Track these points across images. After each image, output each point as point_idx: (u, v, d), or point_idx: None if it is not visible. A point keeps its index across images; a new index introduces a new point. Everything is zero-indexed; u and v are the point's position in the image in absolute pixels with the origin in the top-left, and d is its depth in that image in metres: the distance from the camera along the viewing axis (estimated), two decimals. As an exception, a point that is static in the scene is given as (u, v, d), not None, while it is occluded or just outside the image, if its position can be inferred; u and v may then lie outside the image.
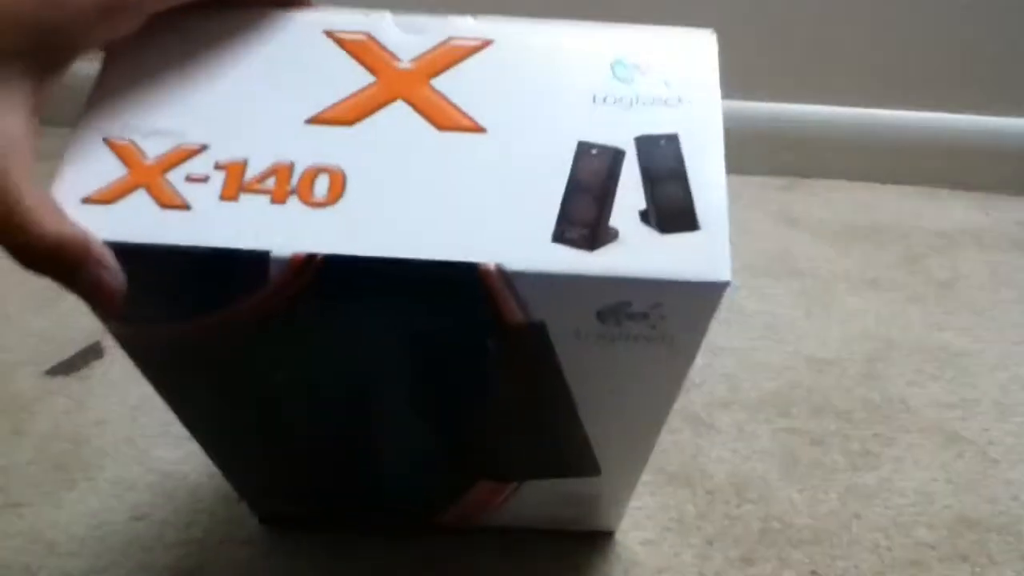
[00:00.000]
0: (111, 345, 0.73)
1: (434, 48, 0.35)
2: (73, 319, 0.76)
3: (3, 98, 0.27)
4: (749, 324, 0.78)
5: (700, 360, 0.72)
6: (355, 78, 0.34)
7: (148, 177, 0.32)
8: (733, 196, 1.00)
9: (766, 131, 1.02)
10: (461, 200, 0.32)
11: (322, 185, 0.32)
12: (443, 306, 0.33)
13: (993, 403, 0.69)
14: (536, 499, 0.52)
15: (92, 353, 0.72)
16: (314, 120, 0.33)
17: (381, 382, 0.40)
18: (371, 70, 0.35)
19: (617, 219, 0.32)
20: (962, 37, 0.95)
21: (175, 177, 0.32)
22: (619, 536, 0.58)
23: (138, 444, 0.64)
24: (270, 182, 0.32)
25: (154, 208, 0.31)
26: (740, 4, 0.97)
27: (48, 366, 0.71)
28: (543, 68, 0.35)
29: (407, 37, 0.36)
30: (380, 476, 0.52)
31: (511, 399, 0.41)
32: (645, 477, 0.62)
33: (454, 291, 0.32)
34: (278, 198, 0.32)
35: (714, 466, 0.63)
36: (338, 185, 0.32)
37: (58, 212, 0.30)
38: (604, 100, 0.34)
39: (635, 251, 0.31)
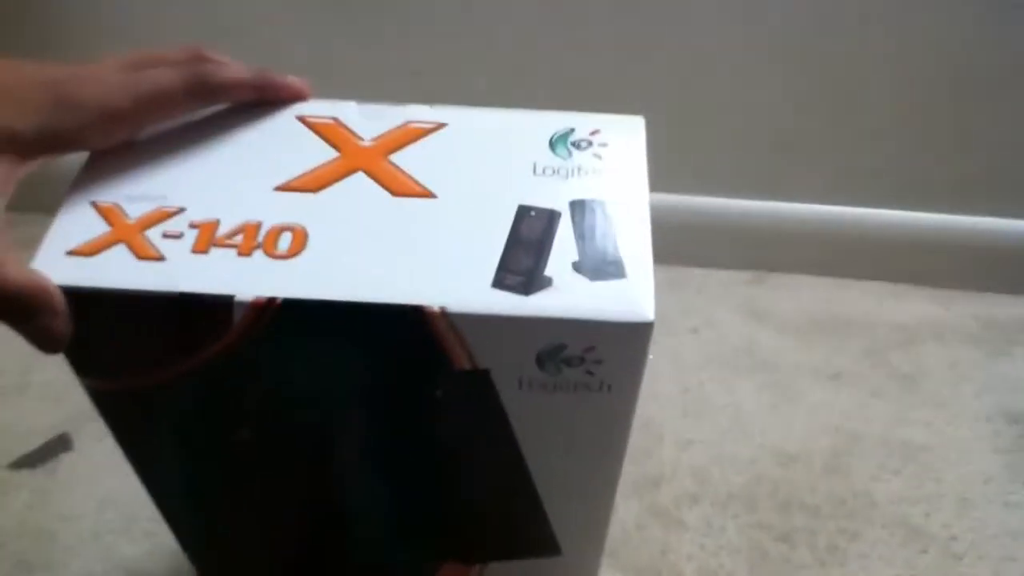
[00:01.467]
0: (81, 436, 0.73)
1: (393, 129, 0.40)
2: (38, 410, 0.76)
3: None
4: (717, 417, 0.79)
5: (669, 453, 0.73)
6: (321, 153, 0.39)
7: (128, 234, 0.35)
8: (700, 289, 1.03)
9: (732, 226, 1.05)
10: (410, 254, 0.35)
11: (285, 240, 0.36)
12: (393, 352, 0.36)
13: (955, 498, 0.70)
14: None
15: (60, 445, 0.72)
16: (282, 188, 0.38)
17: (340, 436, 0.42)
18: (335, 147, 0.39)
19: (552, 269, 0.35)
20: (925, 137, 1.00)
21: (153, 234, 0.35)
22: (588, 635, 0.58)
23: (104, 539, 0.63)
24: (238, 238, 0.35)
25: (131, 259, 0.35)
26: (708, 102, 1.01)
27: (12, 459, 0.70)
28: (490, 144, 0.40)
29: (369, 121, 0.41)
30: (345, 553, 0.51)
31: (462, 456, 0.42)
32: (614, 574, 0.62)
33: (404, 336, 0.35)
34: (244, 251, 0.35)
35: (683, 562, 0.63)
36: (300, 240, 0.36)
37: (20, 262, 0.32)
38: (543, 171, 0.39)
39: (567, 296, 0.34)
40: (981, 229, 1.02)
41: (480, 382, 0.37)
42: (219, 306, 0.34)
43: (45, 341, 0.33)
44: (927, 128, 0.99)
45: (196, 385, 0.39)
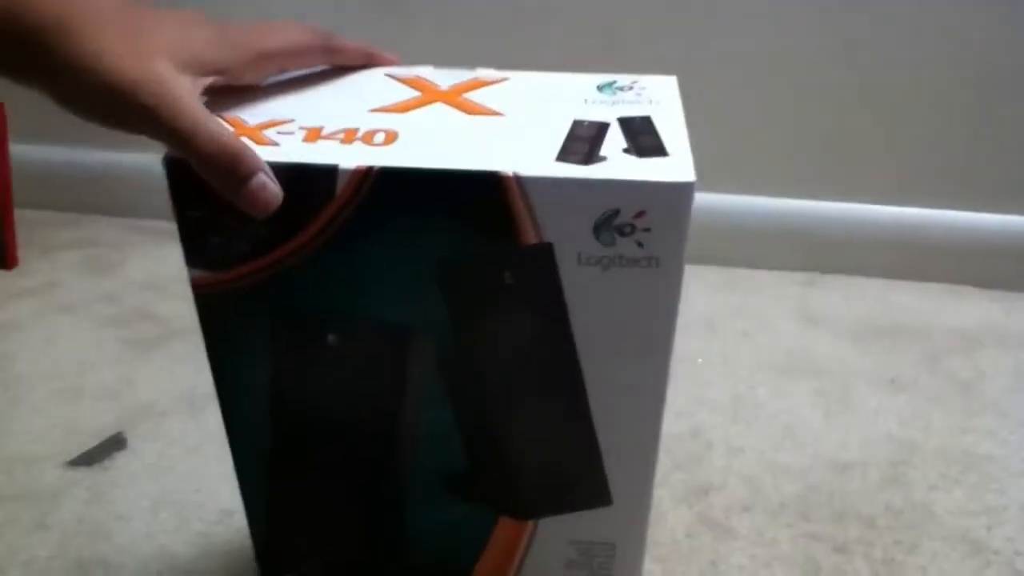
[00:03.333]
0: (134, 437, 0.74)
1: (464, 81, 0.50)
2: (96, 410, 0.77)
3: (183, 84, 0.39)
4: (769, 424, 0.78)
5: (720, 461, 0.72)
6: (406, 93, 0.48)
7: (248, 131, 0.43)
8: (754, 291, 1.02)
9: (788, 227, 1.03)
10: (486, 145, 0.42)
11: (380, 137, 0.43)
12: (471, 224, 0.42)
13: (1020, 510, 0.68)
14: (550, 558, 0.54)
15: (115, 445, 0.73)
16: (375, 110, 0.46)
17: (416, 350, 0.46)
18: (418, 89, 0.49)
19: (605, 152, 0.42)
20: (984, 136, 0.97)
21: (268, 132, 0.43)
22: (637, 644, 0.58)
23: (158, 539, 0.64)
24: (340, 135, 0.43)
25: (252, 145, 0.41)
26: (760, 102, 0.99)
27: (71, 457, 0.72)
28: (546, 89, 0.49)
29: (445, 77, 0.50)
30: (403, 509, 0.53)
31: (520, 375, 0.47)
32: (664, 583, 0.61)
33: (481, 204, 0.41)
34: (346, 141, 0.42)
35: (734, 572, 0.62)
36: (392, 137, 0.43)
37: (220, 125, 0.39)
38: (593, 102, 0.47)
39: (620, 167, 0.40)
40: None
41: (544, 257, 0.42)
42: (324, 174, 0.40)
43: (261, 202, 0.39)
44: (986, 127, 0.96)
45: (294, 278, 0.44)
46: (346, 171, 0.40)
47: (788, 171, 1.02)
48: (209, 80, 0.41)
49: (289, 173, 0.40)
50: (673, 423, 0.77)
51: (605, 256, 0.42)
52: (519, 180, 0.40)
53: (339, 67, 0.51)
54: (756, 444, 0.75)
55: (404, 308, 0.45)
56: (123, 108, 0.37)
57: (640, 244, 0.41)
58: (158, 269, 1.02)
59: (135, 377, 0.83)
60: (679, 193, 0.40)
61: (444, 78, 0.50)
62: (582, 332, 0.45)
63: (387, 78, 0.50)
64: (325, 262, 0.43)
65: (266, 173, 0.39)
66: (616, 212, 0.40)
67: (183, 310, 0.93)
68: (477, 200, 0.41)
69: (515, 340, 0.46)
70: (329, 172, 0.40)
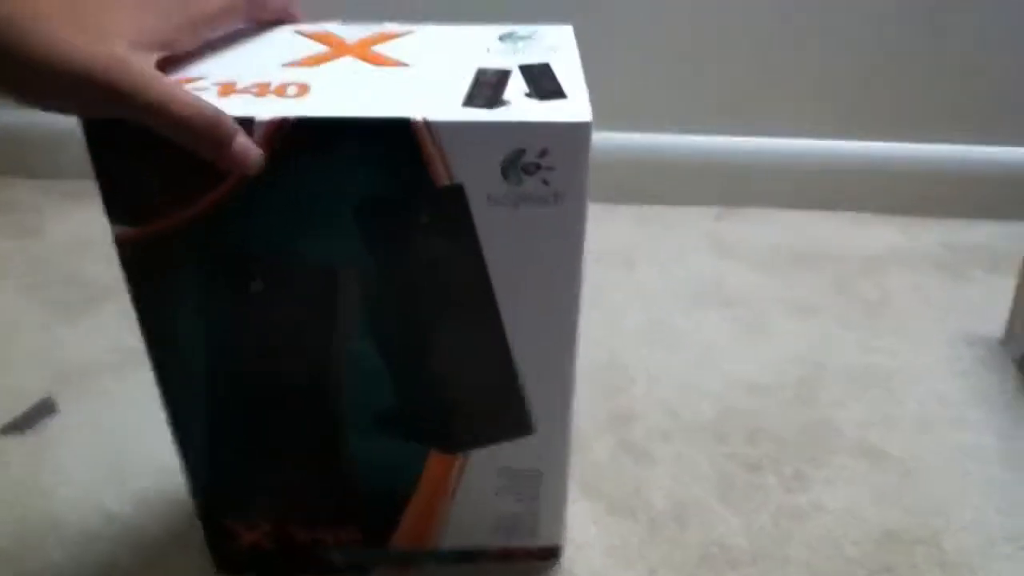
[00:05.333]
0: (66, 400, 0.75)
1: (371, 35, 0.51)
2: (25, 376, 0.77)
3: (146, 61, 0.40)
4: (686, 352, 0.82)
5: (639, 389, 0.76)
6: (316, 48, 0.50)
7: None
8: (668, 226, 1.05)
9: (698, 162, 1.07)
10: (395, 93, 0.44)
11: (292, 89, 0.44)
12: (385, 171, 0.44)
13: (914, 420, 0.73)
14: (480, 488, 0.56)
15: (45, 409, 0.73)
16: (286, 65, 0.47)
17: (340, 290, 0.48)
18: (327, 45, 0.50)
19: (508, 96, 0.44)
20: (879, 66, 1.01)
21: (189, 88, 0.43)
22: (565, 564, 0.61)
23: (96, 498, 0.65)
24: (254, 89, 0.44)
25: None
26: (670, 40, 1.01)
27: (1, 425, 0.72)
28: (450, 40, 0.51)
29: (351, 31, 0.52)
30: (338, 445, 0.55)
31: (441, 308, 0.49)
32: (587, 504, 0.65)
33: (394, 152, 0.43)
34: (260, 95, 0.44)
35: (655, 494, 0.66)
36: (304, 89, 0.44)
37: (189, 94, 0.40)
38: (495, 51, 0.49)
39: (523, 110, 0.43)
40: (941, 156, 1.04)
41: (457, 198, 0.44)
42: (242, 126, 0.41)
43: (246, 163, 0.41)
44: (883, 57, 1.00)
45: (217, 225, 0.45)
46: (262, 123, 0.42)
47: (696, 108, 1.05)
48: (157, 54, 0.42)
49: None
50: (593, 354, 0.80)
51: (513, 195, 0.44)
52: (428, 125, 0.42)
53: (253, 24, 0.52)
54: (673, 371, 0.79)
55: (328, 250, 0.47)
56: (92, 92, 0.38)
57: (545, 182, 0.44)
58: (79, 231, 1.01)
59: (63, 340, 0.83)
60: (578, 132, 0.43)
61: (351, 33, 0.52)
62: (496, 268, 0.47)
63: (296, 34, 0.52)
64: (247, 210, 0.45)
65: (243, 134, 0.41)
66: (521, 152, 0.43)
67: (108, 271, 0.92)
68: (390, 146, 0.43)
69: (433, 278, 0.48)
70: (246, 124, 0.42)
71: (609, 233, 1.00)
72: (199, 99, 0.40)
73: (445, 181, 0.44)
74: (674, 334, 0.84)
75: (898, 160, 1.05)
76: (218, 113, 0.40)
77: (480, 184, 0.44)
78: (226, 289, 0.48)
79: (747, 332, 0.85)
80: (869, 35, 0.99)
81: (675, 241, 1.00)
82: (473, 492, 0.57)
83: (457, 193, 0.44)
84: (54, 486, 0.66)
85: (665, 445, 0.71)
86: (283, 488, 0.58)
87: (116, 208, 0.45)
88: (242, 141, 0.41)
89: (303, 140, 0.42)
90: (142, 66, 0.39)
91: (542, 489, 0.57)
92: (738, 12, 0.99)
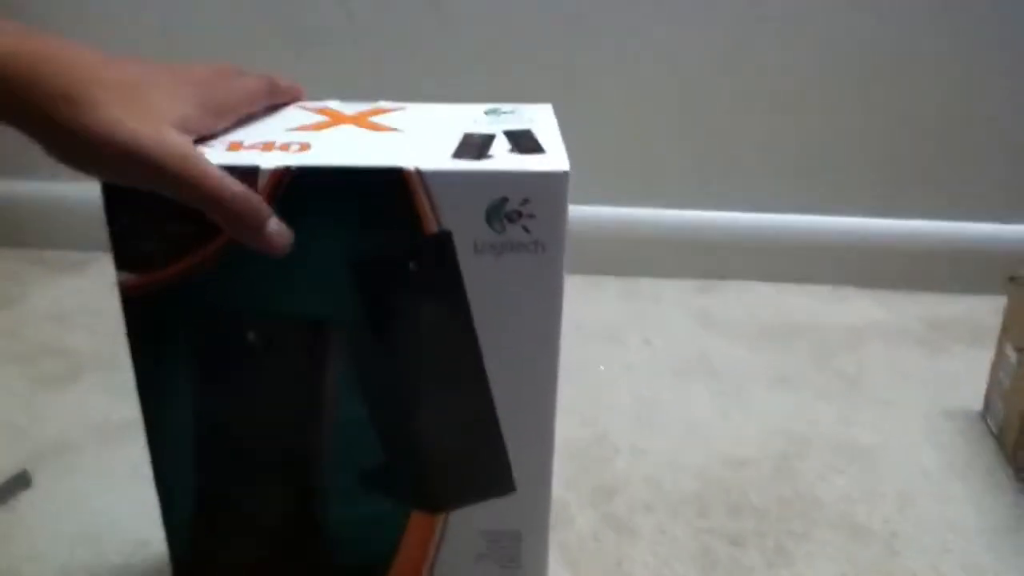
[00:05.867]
0: (44, 474, 0.74)
1: (368, 109, 0.56)
2: (3, 450, 0.77)
3: (192, 146, 0.44)
4: (669, 426, 0.82)
5: (623, 463, 0.76)
6: (318, 118, 0.53)
7: None
8: (653, 299, 1.06)
9: (682, 237, 1.08)
10: (389, 150, 0.48)
11: (295, 147, 0.47)
12: (377, 218, 0.47)
13: (896, 494, 0.73)
14: (460, 554, 0.56)
15: (19, 483, 0.72)
16: (289, 130, 0.51)
17: (329, 343, 0.50)
18: (327, 116, 0.54)
19: (493, 152, 0.48)
20: (860, 142, 1.03)
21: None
22: (548, 645, 0.60)
23: (70, 574, 0.64)
24: (259, 146, 0.47)
25: None
26: (655, 116, 1.04)
27: (-24, 498, 0.71)
28: (440, 114, 0.55)
29: (350, 107, 0.56)
30: (322, 507, 0.55)
31: (427, 363, 0.51)
32: (572, 584, 0.64)
33: (386, 199, 0.46)
34: (265, 150, 0.47)
35: (638, 570, 0.66)
36: (306, 146, 0.48)
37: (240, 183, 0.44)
38: (481, 122, 0.53)
39: (506, 161, 0.47)
40: (920, 231, 1.07)
41: (445, 244, 0.47)
42: (246, 174, 0.44)
43: (277, 244, 0.45)
44: (864, 134, 1.03)
45: (215, 277, 0.48)
46: (266, 171, 0.45)
47: (678, 183, 1.07)
48: (194, 137, 0.46)
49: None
50: (578, 429, 0.80)
51: (497, 243, 0.47)
52: (420, 174, 0.46)
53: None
54: (657, 445, 0.79)
55: (319, 303, 0.49)
56: (144, 170, 0.42)
57: (527, 229, 0.47)
58: (61, 301, 1.01)
59: (43, 414, 0.82)
60: (556, 180, 0.46)
61: (350, 108, 0.56)
62: (480, 319, 0.49)
63: (300, 108, 0.56)
64: (244, 261, 0.47)
65: (275, 218, 0.45)
66: (504, 200, 0.46)
67: (89, 342, 0.93)
68: (383, 194, 0.46)
69: (421, 329, 0.50)
70: (251, 172, 0.45)
71: (596, 306, 1.01)
72: (242, 187, 0.44)
73: (434, 229, 0.47)
74: (658, 407, 0.85)
75: (877, 234, 1.07)
76: (258, 201, 0.44)
77: (466, 231, 0.47)
78: (218, 340, 0.50)
79: (730, 405, 0.85)
80: (849, 110, 1.02)
81: (659, 314, 1.01)
82: (453, 557, 0.57)
83: (445, 239, 0.47)
84: (28, 563, 0.65)
85: (648, 518, 0.70)
86: (265, 550, 0.57)
87: (123, 256, 0.48)
88: (275, 223, 0.45)
89: (303, 188, 0.45)
90: (194, 153, 0.44)
91: (523, 551, 0.57)
92: (719, 89, 1.02)
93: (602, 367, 0.90)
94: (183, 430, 0.52)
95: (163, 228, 0.47)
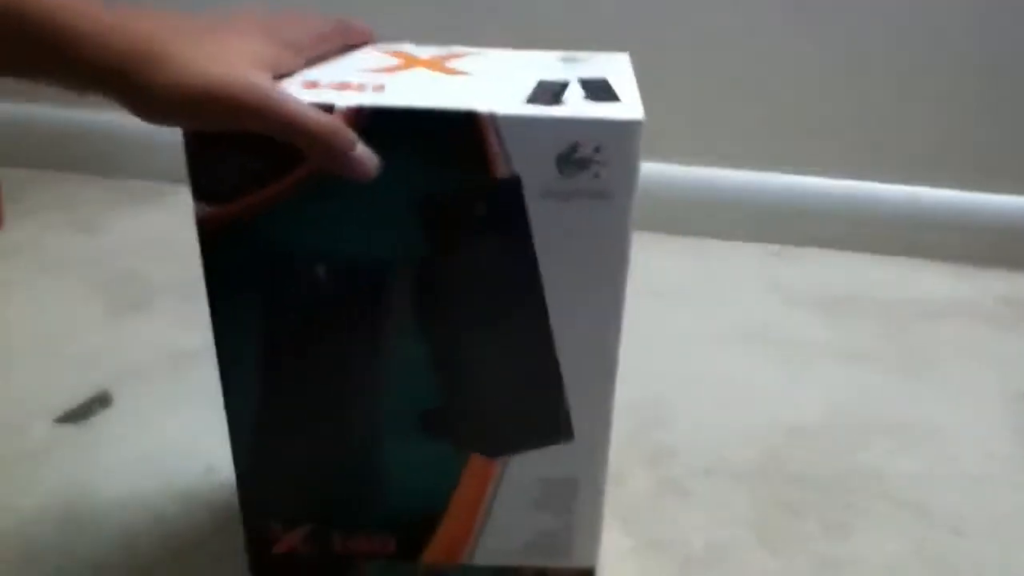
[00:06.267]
0: (119, 395, 0.77)
1: (443, 53, 0.55)
2: (82, 369, 0.80)
3: (272, 83, 0.45)
4: (731, 392, 0.81)
5: (683, 425, 0.76)
6: (392, 61, 0.53)
7: None
8: (721, 262, 1.05)
9: (756, 200, 1.06)
10: (462, 93, 0.48)
11: (369, 88, 0.48)
12: (448, 161, 0.47)
13: (966, 477, 0.72)
14: (516, 499, 0.57)
15: (100, 402, 0.75)
16: (365, 71, 0.51)
17: (395, 285, 0.51)
18: (402, 59, 0.54)
19: (567, 99, 0.47)
20: (947, 113, 0.99)
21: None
22: (599, 599, 0.61)
23: (142, 495, 0.67)
24: (335, 86, 0.48)
25: None
26: (732, 77, 1.01)
27: (57, 415, 0.74)
28: (515, 59, 0.54)
29: (423, 50, 0.55)
30: (381, 448, 0.56)
31: (490, 310, 0.51)
32: (625, 541, 0.65)
33: (457, 143, 0.46)
34: (340, 89, 0.47)
35: (693, 533, 0.66)
36: (380, 87, 0.48)
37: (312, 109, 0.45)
38: (556, 69, 0.52)
39: (580, 109, 0.46)
40: (1001, 206, 1.02)
41: (514, 190, 0.47)
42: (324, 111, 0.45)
43: (363, 170, 0.46)
44: (950, 104, 0.99)
45: (287, 212, 0.48)
46: (340, 110, 0.45)
47: (760, 145, 1.04)
48: (270, 73, 0.47)
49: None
50: (638, 389, 0.79)
51: (566, 189, 0.47)
52: (493, 118, 0.45)
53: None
54: (718, 411, 0.78)
55: (386, 243, 0.49)
56: (232, 111, 0.43)
57: (597, 176, 0.46)
58: (141, 230, 1.04)
59: (120, 336, 0.85)
60: (629, 129, 0.46)
61: (424, 51, 0.55)
62: (545, 265, 0.49)
63: (374, 51, 0.55)
64: (316, 197, 0.48)
65: (361, 143, 0.46)
66: (576, 146, 0.46)
67: (166, 270, 0.95)
68: (455, 137, 0.46)
69: (486, 271, 0.50)
70: (326, 110, 0.45)
71: (661, 264, 1.00)
72: (323, 115, 0.44)
73: (504, 174, 0.47)
74: (721, 373, 0.84)
75: (959, 207, 1.03)
76: (342, 126, 0.45)
77: (535, 177, 0.47)
78: (289, 274, 0.51)
79: (795, 375, 0.84)
80: (933, 75, 0.98)
81: (728, 278, 1.00)
82: (509, 504, 0.57)
83: (514, 185, 0.47)
84: (102, 479, 0.68)
85: (705, 483, 0.70)
86: (325, 488, 0.59)
87: (200, 187, 0.48)
88: (361, 149, 0.45)
89: (376, 128, 0.46)
90: (275, 89, 0.44)
91: (578, 502, 0.57)
92: (809, 49, 0.98)
93: (669, 330, 0.89)
94: (252, 360, 0.54)
95: (239, 161, 0.47)
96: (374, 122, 0.46)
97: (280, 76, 0.48)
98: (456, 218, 0.48)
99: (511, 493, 0.57)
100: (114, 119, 1.17)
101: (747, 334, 0.90)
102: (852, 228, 1.06)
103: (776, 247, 1.05)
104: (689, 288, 0.97)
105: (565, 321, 0.51)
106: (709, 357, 0.86)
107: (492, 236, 0.49)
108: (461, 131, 0.46)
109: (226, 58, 0.44)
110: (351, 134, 0.45)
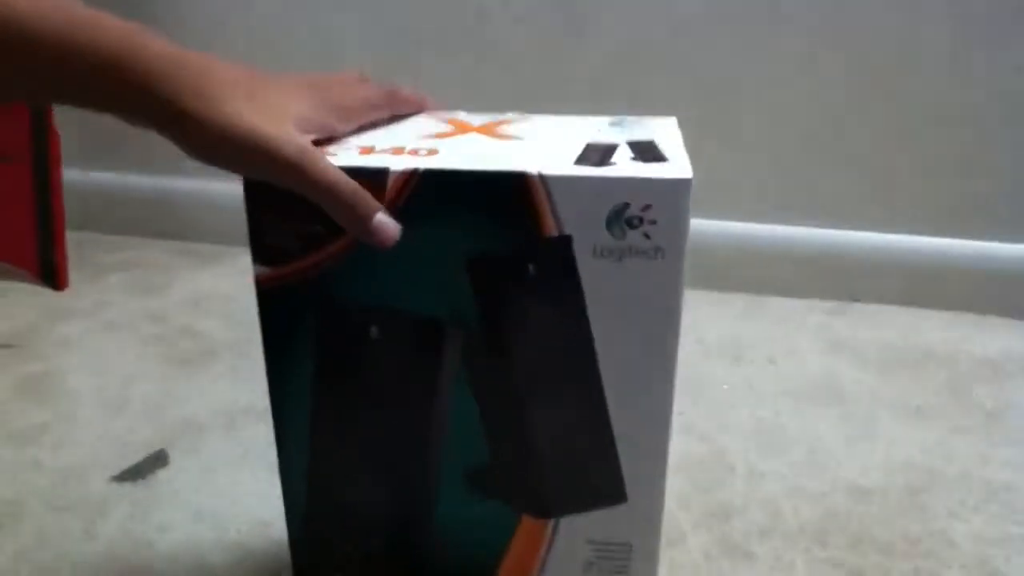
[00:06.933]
0: (175, 451, 0.78)
1: (495, 120, 0.57)
2: (141, 425, 0.81)
3: (310, 143, 0.47)
4: (791, 449, 0.79)
5: (741, 485, 0.74)
6: (446, 128, 0.55)
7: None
8: (779, 318, 1.03)
9: (816, 255, 1.05)
10: (513, 156, 0.49)
11: (423, 151, 0.49)
12: (499, 221, 0.48)
13: (1039, 540, 0.69)
14: (569, 562, 0.56)
15: (158, 461, 0.76)
16: (419, 137, 0.53)
17: (446, 343, 0.52)
18: (455, 126, 0.56)
19: (615, 161, 0.48)
20: (1009, 169, 0.98)
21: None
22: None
23: (197, 550, 0.67)
24: (389, 151, 0.50)
25: None
26: (797, 134, 1.01)
27: (117, 470, 0.75)
28: (565, 124, 0.56)
29: (475, 117, 0.58)
30: (431, 509, 0.56)
31: (542, 371, 0.51)
32: (682, 604, 0.63)
33: (508, 204, 0.47)
34: (395, 154, 0.49)
35: (751, 595, 0.64)
36: (434, 151, 0.49)
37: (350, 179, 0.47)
38: (604, 132, 0.54)
39: (628, 168, 0.47)
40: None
41: (564, 249, 0.48)
42: (377, 175, 0.47)
43: (384, 236, 0.47)
44: (1013, 158, 0.97)
45: (341, 272, 0.50)
46: (395, 172, 0.47)
47: (816, 201, 1.03)
48: (314, 136, 0.48)
49: (347, 175, 0.48)
50: (696, 447, 0.78)
51: (617, 248, 0.48)
52: (543, 178, 0.47)
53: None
54: (777, 469, 0.76)
55: (437, 302, 0.50)
56: (268, 162, 0.45)
57: (647, 236, 0.47)
58: (201, 290, 1.06)
59: (177, 393, 0.87)
60: (679, 187, 0.46)
61: (476, 118, 0.57)
62: (597, 323, 0.50)
63: (428, 118, 0.57)
64: (369, 258, 0.49)
65: (384, 211, 0.47)
66: (626, 206, 0.47)
67: (223, 329, 0.97)
68: (505, 198, 0.47)
69: (537, 331, 0.51)
70: (381, 173, 0.47)
71: (720, 323, 0.99)
72: (353, 183, 0.46)
73: (553, 231, 0.48)
74: (780, 430, 0.82)
75: (1022, 262, 1.01)
76: (366, 195, 0.47)
77: (587, 236, 0.48)
78: (343, 334, 0.52)
79: (856, 433, 0.82)
80: (996, 132, 0.96)
81: (786, 334, 0.98)
82: (562, 564, 0.56)
83: (565, 244, 0.48)
84: (158, 534, 0.69)
85: (764, 544, 0.68)
86: (375, 544, 0.58)
87: (259, 249, 0.51)
88: (382, 217, 0.47)
89: (429, 190, 0.48)
90: (312, 149, 0.46)
91: (632, 564, 0.56)
92: (857, 106, 0.98)
93: (725, 386, 0.88)
94: (306, 416, 0.54)
95: (297, 225, 0.49)
96: (426, 184, 0.47)
97: (325, 140, 0.50)
98: (507, 277, 0.49)
99: (564, 555, 0.56)
100: (177, 184, 1.22)
101: (806, 390, 0.88)
102: (912, 283, 1.04)
103: (833, 304, 1.04)
104: (745, 344, 0.96)
105: (617, 381, 0.51)
106: (767, 414, 0.84)
107: (543, 295, 0.49)
108: (512, 192, 0.47)
109: (273, 114, 0.46)
110: (373, 202, 0.47)
